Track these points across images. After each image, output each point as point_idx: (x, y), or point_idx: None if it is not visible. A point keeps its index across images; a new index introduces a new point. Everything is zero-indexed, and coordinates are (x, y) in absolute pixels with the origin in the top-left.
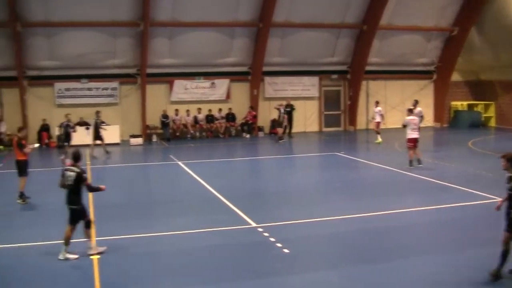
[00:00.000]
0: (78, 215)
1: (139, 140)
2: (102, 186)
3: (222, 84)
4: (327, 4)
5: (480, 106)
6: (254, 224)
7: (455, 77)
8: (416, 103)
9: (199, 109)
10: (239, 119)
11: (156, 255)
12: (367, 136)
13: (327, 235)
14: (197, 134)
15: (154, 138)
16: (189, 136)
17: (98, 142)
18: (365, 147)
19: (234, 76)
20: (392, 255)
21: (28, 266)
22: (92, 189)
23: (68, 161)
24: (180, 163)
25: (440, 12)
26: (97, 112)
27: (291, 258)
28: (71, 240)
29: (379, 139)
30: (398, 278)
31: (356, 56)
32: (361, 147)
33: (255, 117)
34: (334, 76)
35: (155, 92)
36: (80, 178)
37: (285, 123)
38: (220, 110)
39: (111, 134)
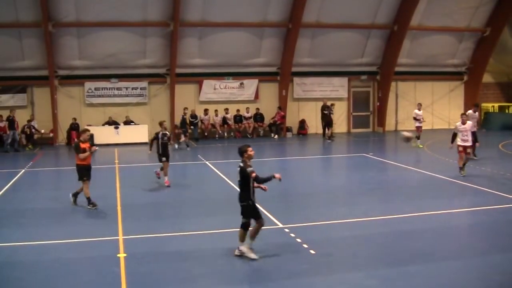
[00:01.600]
0: (247, 212)
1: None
2: (277, 175)
3: (251, 85)
4: (357, 4)
5: (511, 108)
6: (280, 225)
7: (486, 78)
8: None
9: (226, 109)
10: (267, 120)
11: (185, 255)
12: (396, 137)
13: (354, 236)
14: (225, 134)
15: (182, 138)
16: (217, 136)
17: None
18: (394, 149)
19: (263, 77)
20: (421, 258)
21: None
22: (259, 181)
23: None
24: (208, 162)
25: (472, 12)
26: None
27: (317, 259)
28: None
29: (419, 144)
30: (427, 282)
31: (386, 57)
32: (390, 149)
33: (283, 117)
34: (364, 77)
35: (184, 92)
36: (244, 174)
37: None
38: (247, 109)
39: (140, 133)
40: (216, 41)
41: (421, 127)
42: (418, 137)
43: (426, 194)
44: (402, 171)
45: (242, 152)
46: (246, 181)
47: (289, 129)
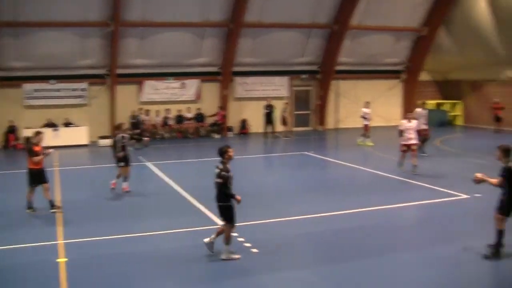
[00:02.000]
0: (223, 212)
1: (108, 141)
2: (238, 197)
3: (192, 85)
4: (298, 4)
5: (447, 105)
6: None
7: (424, 76)
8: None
9: (168, 109)
10: (208, 119)
11: (128, 257)
12: (336, 135)
13: (297, 234)
14: (167, 135)
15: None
16: (158, 137)
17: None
18: (335, 147)
19: (204, 77)
20: (363, 253)
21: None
22: (228, 191)
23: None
24: (149, 164)
25: (410, 12)
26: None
27: (260, 258)
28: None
29: (366, 142)
30: (369, 277)
31: (326, 56)
32: (330, 147)
33: (224, 117)
34: (304, 76)
35: (125, 93)
36: (221, 175)
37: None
38: (188, 108)
39: (80, 135)
40: (157, 41)
41: (368, 125)
42: (366, 136)
43: (367, 191)
44: (344, 168)
45: (222, 153)
46: (224, 182)
47: (230, 129)
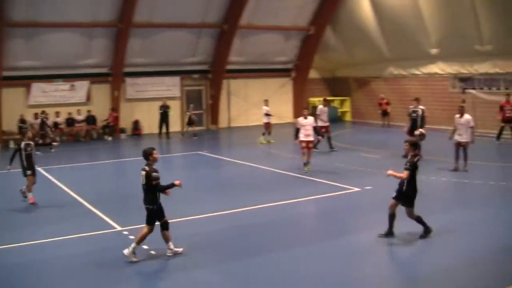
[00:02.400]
0: (152, 214)
1: None
2: (177, 182)
3: (82, 86)
4: (188, 4)
5: (336, 101)
6: (119, 228)
7: (313, 74)
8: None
9: (57, 112)
10: (100, 122)
11: (22, 266)
12: (229, 134)
13: (195, 234)
14: (57, 138)
15: (12, 144)
16: (48, 140)
17: None
18: (228, 145)
19: (94, 78)
20: (262, 250)
21: None
22: (161, 189)
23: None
24: (40, 169)
25: (298, 12)
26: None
27: (158, 259)
28: None
29: (269, 139)
30: (270, 272)
31: (217, 55)
32: (224, 145)
33: (116, 118)
34: (196, 76)
35: (12, 96)
36: (149, 178)
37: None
38: (78, 111)
39: None
40: (45, 42)
41: (269, 123)
42: (269, 133)
43: (263, 188)
44: (239, 167)
45: (147, 155)
46: (151, 184)
47: (122, 130)
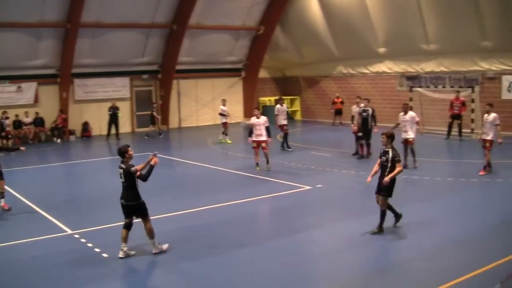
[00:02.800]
0: (137, 210)
1: None
2: (152, 159)
3: (30, 88)
4: (136, 4)
5: (286, 101)
6: (70, 231)
7: (263, 74)
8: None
9: (4, 112)
10: (49, 124)
11: None
12: (180, 134)
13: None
14: (4, 141)
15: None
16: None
17: None
18: (179, 146)
19: (42, 79)
20: (216, 249)
21: None
22: (145, 176)
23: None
24: None
25: (247, 11)
26: None
27: (112, 262)
28: None
29: (227, 139)
30: (224, 272)
31: (167, 55)
32: (175, 146)
33: (65, 120)
34: (145, 76)
35: None
36: (128, 173)
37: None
38: (27, 113)
39: None
40: None
41: (226, 122)
42: (225, 133)
43: (214, 188)
44: (190, 167)
45: (123, 152)
46: (132, 180)
47: (72, 132)
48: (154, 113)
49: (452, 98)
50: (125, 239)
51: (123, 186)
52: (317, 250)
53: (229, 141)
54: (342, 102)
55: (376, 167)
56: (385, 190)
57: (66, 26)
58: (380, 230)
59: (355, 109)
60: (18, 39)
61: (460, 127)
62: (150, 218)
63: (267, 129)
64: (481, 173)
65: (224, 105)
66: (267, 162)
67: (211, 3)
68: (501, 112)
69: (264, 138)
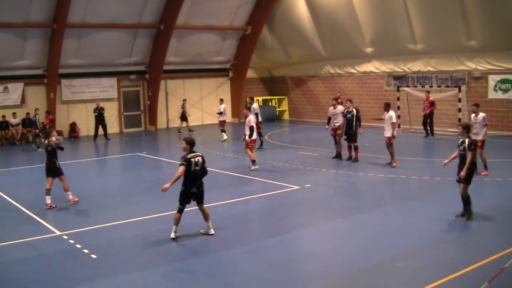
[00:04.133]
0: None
1: None
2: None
3: (16, 88)
4: (123, 4)
5: (274, 101)
6: (58, 232)
7: (250, 74)
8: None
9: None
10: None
11: None
12: (168, 135)
13: (135, 236)
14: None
15: None
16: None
17: None
18: (167, 146)
19: (29, 80)
20: (201, 249)
21: None
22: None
23: None
24: None
25: (234, 12)
26: None
27: (100, 263)
28: None
29: (225, 137)
30: (209, 272)
31: (154, 55)
32: (162, 146)
33: (52, 121)
34: (133, 77)
35: None
36: (204, 161)
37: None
38: (14, 115)
39: None
40: None
41: (225, 121)
42: (224, 131)
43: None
44: (177, 167)
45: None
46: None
47: (59, 133)
48: (185, 110)
49: (424, 98)
50: (178, 221)
51: (198, 174)
52: (304, 250)
53: (225, 138)
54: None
55: (454, 154)
56: (464, 179)
57: (52, 26)
58: (468, 214)
59: (331, 110)
60: (4, 40)
61: (430, 125)
62: (138, 219)
63: (251, 128)
64: (484, 173)
65: (222, 104)
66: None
67: (198, 3)
68: (487, 111)
69: (247, 137)
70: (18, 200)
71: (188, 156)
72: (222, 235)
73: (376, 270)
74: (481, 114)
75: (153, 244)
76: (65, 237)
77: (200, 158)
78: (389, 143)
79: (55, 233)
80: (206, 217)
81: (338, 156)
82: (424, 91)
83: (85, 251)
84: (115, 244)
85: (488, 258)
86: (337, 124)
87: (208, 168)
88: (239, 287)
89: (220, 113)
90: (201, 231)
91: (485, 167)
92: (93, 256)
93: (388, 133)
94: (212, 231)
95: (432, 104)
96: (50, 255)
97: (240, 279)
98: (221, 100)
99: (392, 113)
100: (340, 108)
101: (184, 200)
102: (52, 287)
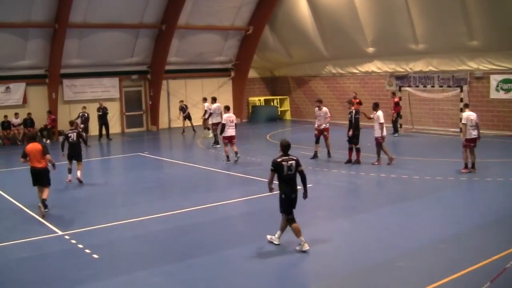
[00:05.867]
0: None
1: None
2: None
3: (18, 88)
4: (124, 4)
5: (276, 101)
6: (60, 232)
7: (252, 74)
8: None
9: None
10: (37, 124)
11: None
12: (170, 135)
13: (136, 236)
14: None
15: None
16: None
17: None
18: (169, 146)
19: (31, 80)
20: (203, 250)
21: None
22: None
23: None
24: None
25: (236, 12)
26: None
27: (101, 263)
28: None
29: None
30: (210, 273)
31: (156, 56)
32: (164, 146)
33: (54, 121)
34: (134, 77)
35: None
36: (298, 164)
37: None
38: (16, 115)
39: None
40: None
41: (207, 119)
42: (208, 128)
43: (203, 188)
44: (178, 167)
45: (289, 146)
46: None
47: (61, 133)
48: (186, 110)
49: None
50: (299, 230)
51: (291, 178)
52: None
53: (210, 135)
54: (360, 103)
55: None
56: None
57: (54, 26)
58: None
59: (316, 111)
60: (6, 40)
61: (395, 124)
62: (140, 219)
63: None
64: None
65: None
66: (236, 152)
67: (199, 3)
68: (489, 111)
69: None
70: (20, 200)
71: (278, 160)
72: (222, 235)
73: (377, 270)
74: (474, 114)
75: (154, 244)
76: (66, 237)
77: (293, 162)
78: (377, 143)
79: (57, 233)
80: (297, 232)
81: (315, 156)
82: (424, 91)
83: (87, 251)
84: (116, 244)
85: (490, 258)
86: (322, 126)
87: (208, 168)
88: (239, 287)
89: (205, 113)
90: (296, 248)
91: (473, 164)
92: (95, 256)
93: (376, 133)
94: (306, 247)
95: (396, 104)
96: (52, 255)
97: (240, 279)
98: (204, 99)
99: (380, 113)
100: (324, 109)
101: (287, 208)
102: (53, 287)
